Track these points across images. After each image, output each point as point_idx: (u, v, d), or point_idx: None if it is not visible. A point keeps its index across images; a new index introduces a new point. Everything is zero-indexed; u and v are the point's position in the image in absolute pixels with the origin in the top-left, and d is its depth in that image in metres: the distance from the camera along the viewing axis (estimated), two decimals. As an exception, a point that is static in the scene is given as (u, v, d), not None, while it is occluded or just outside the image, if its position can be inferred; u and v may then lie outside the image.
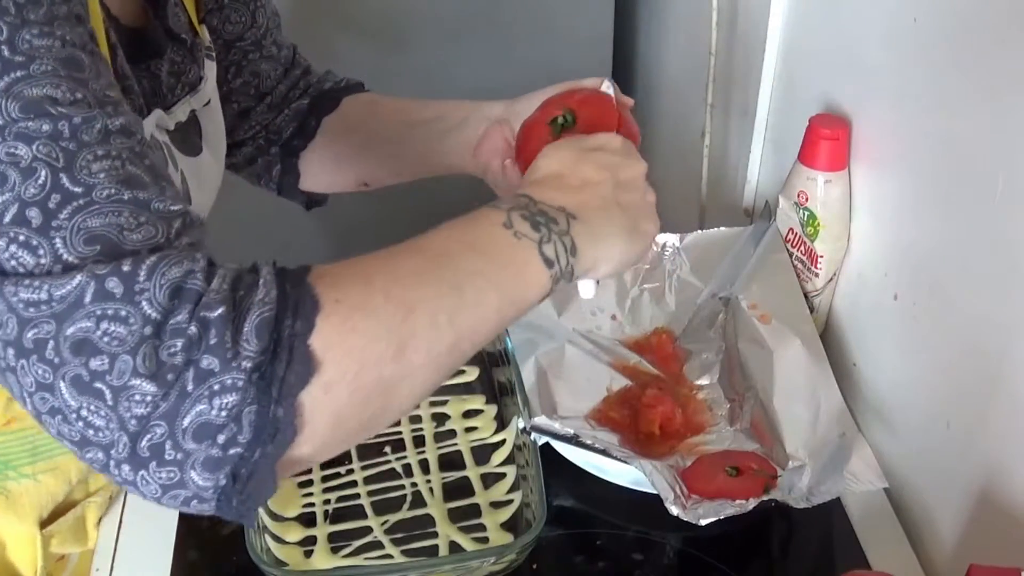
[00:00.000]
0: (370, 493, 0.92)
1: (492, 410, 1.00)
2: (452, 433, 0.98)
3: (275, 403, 0.51)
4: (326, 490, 0.92)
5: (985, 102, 0.77)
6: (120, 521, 0.91)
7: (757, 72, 1.17)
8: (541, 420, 0.90)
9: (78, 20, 0.56)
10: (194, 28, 0.86)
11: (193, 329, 0.50)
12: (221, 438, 0.50)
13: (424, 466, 0.95)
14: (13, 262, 0.51)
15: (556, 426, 0.89)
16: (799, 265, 1.03)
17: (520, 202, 0.65)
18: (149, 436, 0.50)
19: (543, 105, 0.86)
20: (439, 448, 0.97)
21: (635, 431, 0.96)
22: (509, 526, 0.89)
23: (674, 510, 0.81)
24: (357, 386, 0.53)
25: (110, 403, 0.50)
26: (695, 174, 1.33)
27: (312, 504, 0.91)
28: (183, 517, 0.90)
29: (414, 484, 0.93)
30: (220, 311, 0.51)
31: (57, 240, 0.51)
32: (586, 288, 0.74)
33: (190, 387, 0.50)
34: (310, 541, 0.87)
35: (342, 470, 0.94)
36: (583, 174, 0.70)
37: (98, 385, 0.50)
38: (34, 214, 0.51)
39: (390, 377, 0.55)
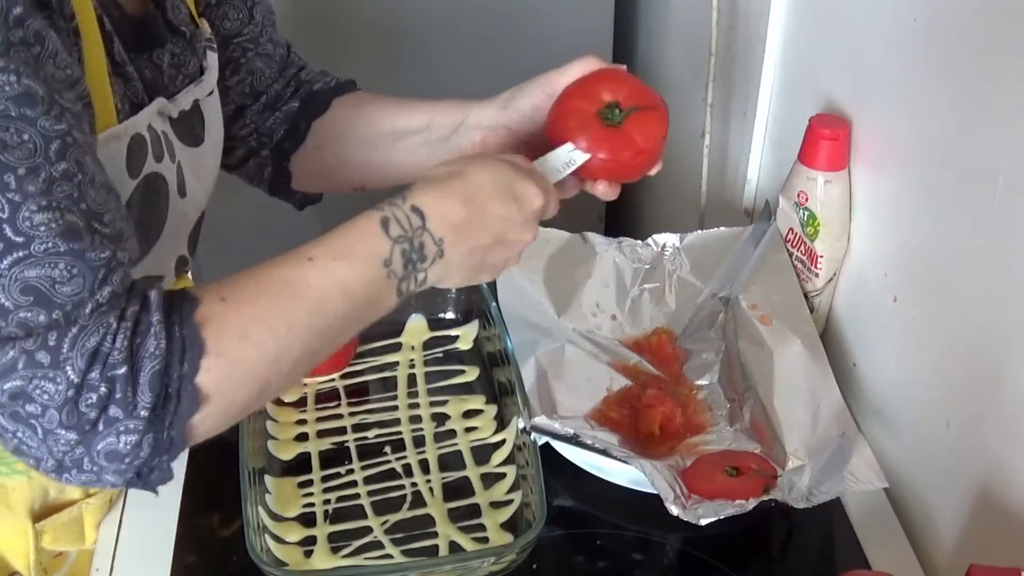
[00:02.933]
0: (370, 493, 0.92)
1: (492, 410, 1.00)
2: (452, 433, 0.98)
3: (168, 430, 0.63)
4: (326, 490, 0.92)
5: (985, 102, 0.77)
6: (120, 521, 0.91)
7: (757, 72, 1.17)
8: (541, 420, 0.90)
9: (36, 38, 0.59)
10: (194, 20, 0.86)
11: (104, 389, 0.61)
12: (127, 460, 0.63)
13: (424, 466, 0.95)
14: None
15: (556, 426, 0.89)
16: (799, 265, 1.03)
17: (412, 224, 0.72)
18: (71, 455, 0.62)
19: (580, 88, 0.85)
20: (439, 448, 0.97)
21: (635, 431, 0.96)
22: (509, 526, 0.89)
23: (674, 510, 0.81)
24: (228, 414, 0.67)
25: (40, 437, 0.61)
26: (695, 174, 1.33)
27: (312, 504, 0.91)
28: (183, 517, 0.90)
29: (414, 484, 0.93)
30: (123, 371, 0.61)
31: None
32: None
33: (101, 428, 0.62)
34: (310, 541, 0.87)
35: (342, 470, 0.94)
36: (487, 212, 0.75)
37: (32, 422, 0.61)
38: None
39: (255, 405, 0.69)
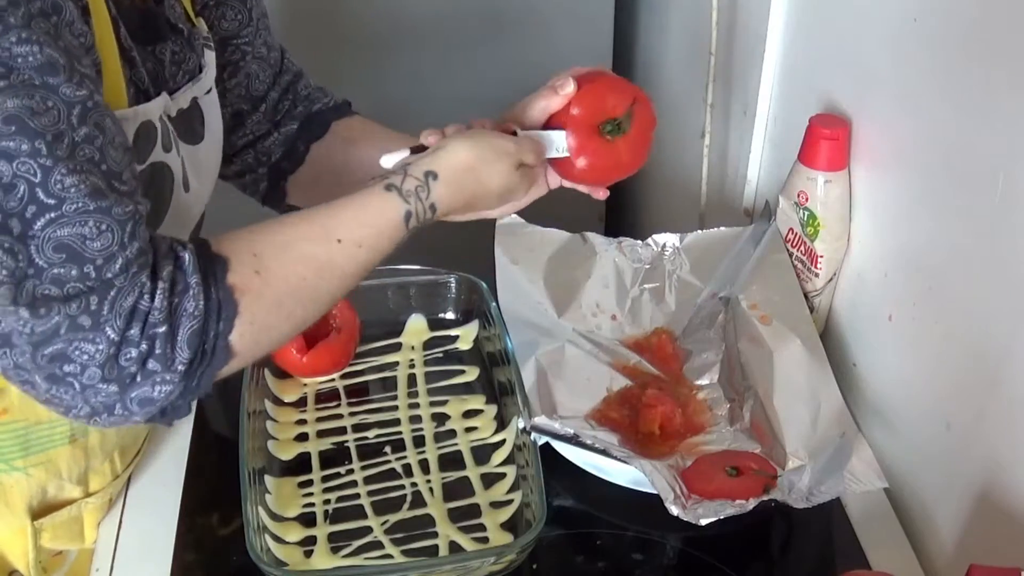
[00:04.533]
0: (370, 493, 0.92)
1: (492, 410, 1.00)
2: (452, 433, 0.98)
3: (199, 379, 0.69)
4: (326, 490, 0.92)
5: (985, 102, 0.77)
6: (120, 521, 0.91)
7: (757, 72, 1.17)
8: (541, 420, 0.90)
9: (53, 9, 0.61)
10: (190, 19, 0.86)
11: (144, 345, 0.65)
12: (158, 404, 0.68)
13: (424, 466, 0.95)
14: None
15: (556, 426, 0.89)
16: (799, 265, 1.03)
17: (424, 211, 0.79)
18: (107, 404, 0.67)
19: (600, 89, 0.89)
20: (439, 448, 0.97)
21: (635, 431, 0.96)
22: (509, 526, 0.89)
23: (674, 510, 0.81)
24: (247, 363, 0.73)
25: (78, 390, 0.65)
26: (695, 174, 1.33)
27: (312, 504, 0.91)
28: (183, 517, 0.91)
29: (414, 484, 0.93)
30: (164, 329, 0.66)
31: (32, 248, 0.61)
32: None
33: (139, 380, 0.66)
34: (310, 541, 0.87)
35: (342, 470, 0.94)
36: (491, 201, 0.84)
37: (71, 380, 0.65)
38: (15, 224, 0.61)
39: (284, 332, 0.74)
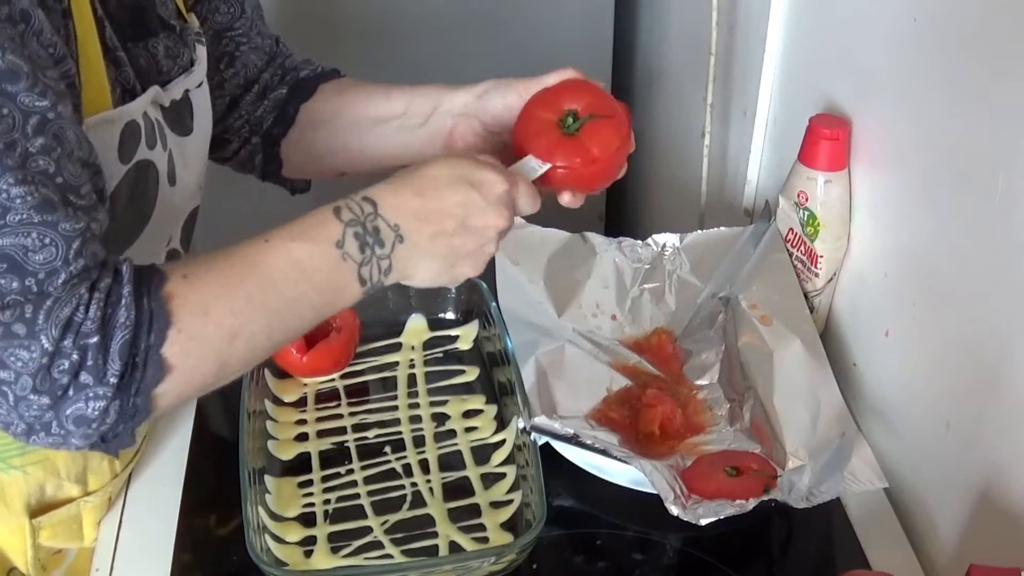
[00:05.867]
0: (370, 493, 0.92)
1: (492, 410, 1.00)
2: (452, 433, 0.98)
3: (133, 397, 0.66)
4: (326, 490, 0.92)
5: (985, 102, 0.77)
6: (120, 521, 0.91)
7: (757, 72, 1.17)
8: (541, 420, 0.90)
9: (22, 17, 0.60)
10: (182, 15, 0.86)
11: (76, 356, 0.64)
12: (94, 424, 0.66)
13: (424, 466, 0.95)
14: None
15: (556, 426, 0.89)
16: (799, 265, 1.03)
17: (362, 215, 0.73)
18: (41, 420, 0.65)
19: (544, 97, 0.86)
20: (439, 448, 0.97)
21: (635, 431, 0.96)
22: (509, 526, 0.89)
23: (674, 510, 0.81)
24: (189, 386, 0.69)
25: (11, 403, 0.64)
26: (695, 174, 1.33)
27: (312, 504, 0.91)
28: (183, 517, 0.91)
29: (414, 484, 0.93)
30: (95, 340, 0.64)
31: None
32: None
33: (71, 393, 0.64)
34: (310, 541, 0.87)
35: (342, 470, 0.94)
36: (444, 200, 0.75)
37: (4, 388, 0.64)
38: None
39: (212, 382, 0.71)
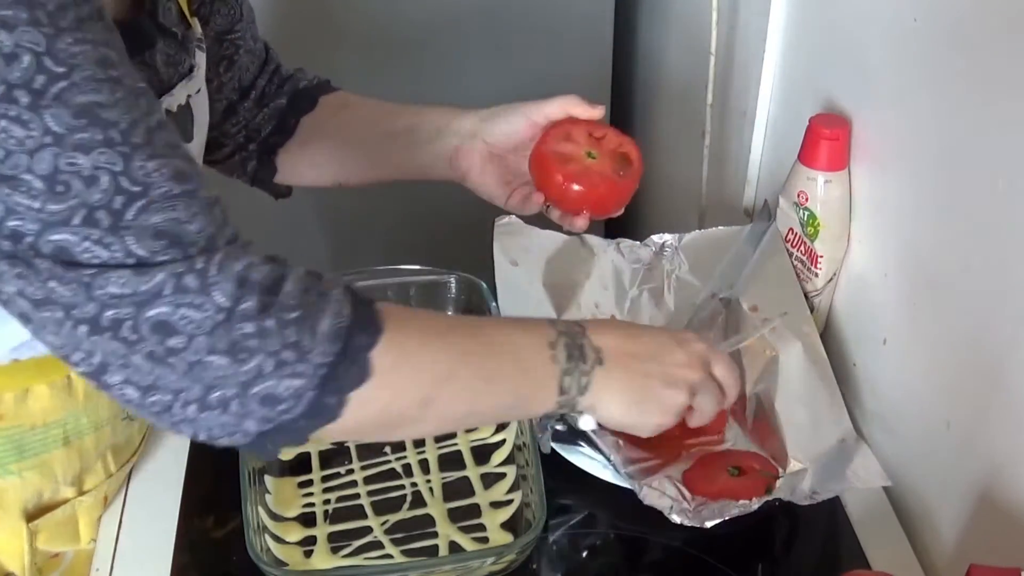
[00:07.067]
0: (370, 493, 0.92)
1: (492, 410, 1.00)
2: (452, 433, 0.98)
3: (330, 394, 0.63)
4: (326, 490, 0.92)
5: (985, 102, 0.77)
6: (120, 521, 0.91)
7: (757, 72, 1.17)
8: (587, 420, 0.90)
9: (99, 15, 0.60)
10: (186, 20, 0.86)
11: (270, 324, 0.61)
12: (280, 407, 0.62)
13: (424, 466, 0.95)
14: (87, 255, 0.58)
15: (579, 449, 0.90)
16: (799, 265, 1.03)
17: (573, 330, 0.75)
18: (221, 393, 0.61)
19: (547, 136, 0.92)
20: (439, 448, 0.97)
21: (633, 437, 0.95)
22: (509, 526, 0.89)
23: (676, 518, 0.81)
24: (383, 412, 0.67)
25: (184, 371, 0.60)
26: (695, 174, 1.33)
27: (312, 504, 0.91)
28: (183, 517, 0.90)
29: (414, 484, 0.93)
30: (296, 314, 0.62)
31: (128, 238, 0.58)
32: (586, 421, 0.80)
33: (268, 370, 0.61)
34: (310, 541, 0.87)
35: (342, 470, 0.94)
36: (645, 342, 0.78)
37: (172, 360, 0.60)
38: (102, 216, 0.58)
39: (409, 418, 0.68)
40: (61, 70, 0.56)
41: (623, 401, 0.75)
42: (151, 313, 0.59)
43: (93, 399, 0.84)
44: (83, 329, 0.59)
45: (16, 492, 0.84)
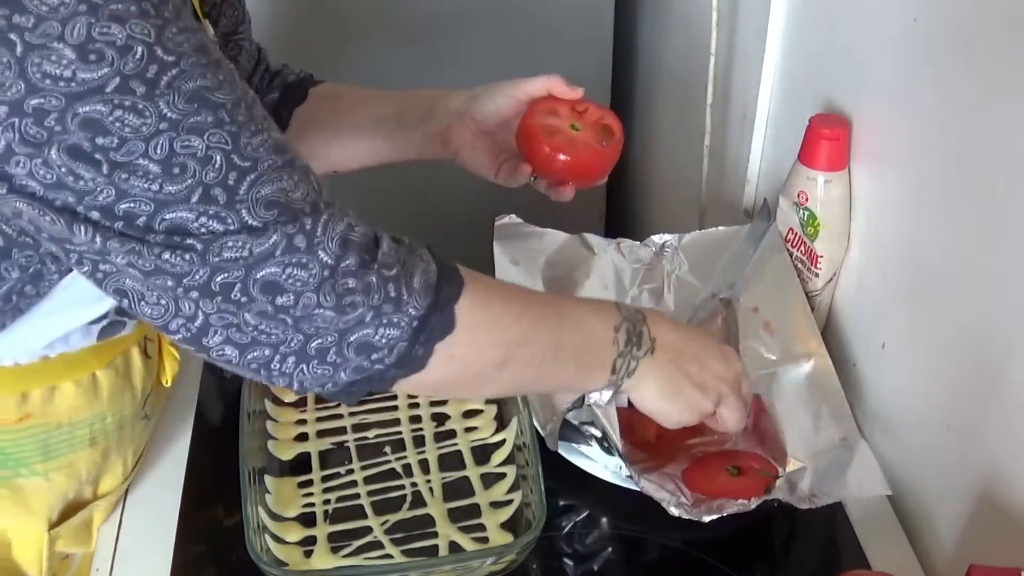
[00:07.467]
0: (370, 493, 0.92)
1: (492, 410, 1.00)
2: (452, 433, 0.98)
3: (419, 345, 0.67)
4: (326, 490, 0.92)
5: (986, 102, 0.77)
6: (120, 522, 0.91)
7: (757, 72, 1.17)
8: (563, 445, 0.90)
9: (184, 3, 0.61)
10: (199, 20, 0.86)
11: (373, 279, 0.65)
12: (375, 356, 0.67)
13: (424, 466, 0.95)
14: (203, 230, 0.61)
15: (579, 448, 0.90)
16: (799, 265, 1.03)
17: (635, 317, 0.79)
18: (320, 341, 0.65)
19: (533, 111, 0.94)
20: (439, 448, 0.97)
21: (633, 436, 0.95)
22: (509, 526, 0.89)
23: (674, 511, 0.81)
24: (466, 367, 0.71)
25: (291, 324, 0.64)
26: (695, 174, 1.33)
27: (312, 504, 0.91)
28: (183, 517, 0.90)
29: (414, 484, 0.93)
30: (396, 271, 0.66)
31: (243, 211, 0.61)
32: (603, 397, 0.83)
33: (367, 319, 0.65)
34: (310, 541, 0.87)
35: (342, 470, 0.94)
36: (692, 342, 0.83)
37: (282, 316, 0.64)
38: (218, 192, 0.60)
39: (486, 375, 0.73)
40: (171, 59, 0.57)
41: (659, 390, 0.80)
42: (261, 274, 0.62)
43: (117, 398, 0.85)
44: (193, 295, 0.62)
45: (41, 494, 0.84)
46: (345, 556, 0.86)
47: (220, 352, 0.65)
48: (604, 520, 0.92)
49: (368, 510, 0.90)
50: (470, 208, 1.06)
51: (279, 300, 0.63)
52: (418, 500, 0.91)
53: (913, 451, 0.91)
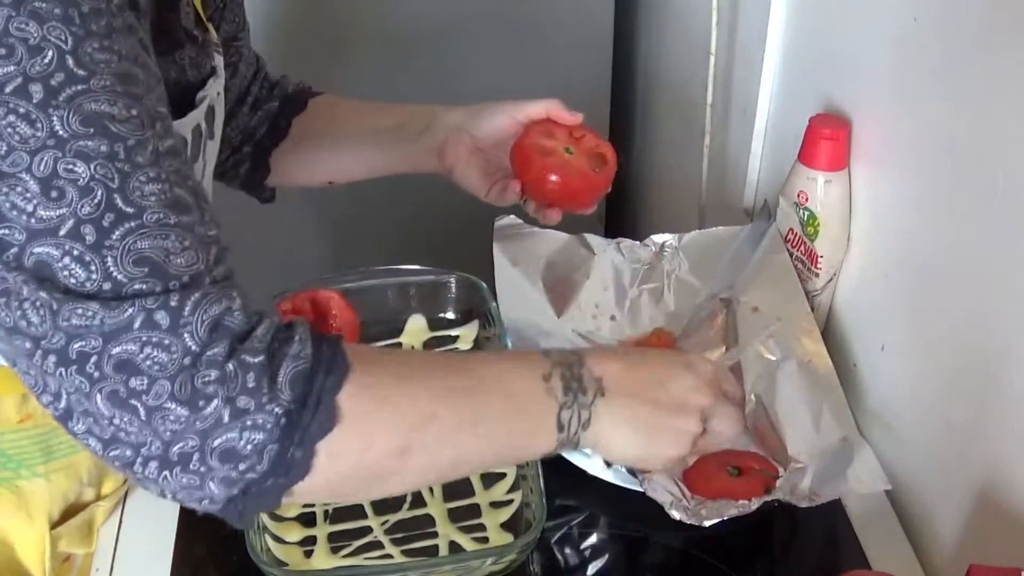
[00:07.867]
0: (370, 493, 0.92)
1: (492, 410, 1.00)
2: (452, 433, 0.98)
3: (295, 446, 0.58)
4: (326, 490, 0.92)
5: (985, 102, 0.77)
6: (120, 522, 0.91)
7: (757, 72, 1.17)
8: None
9: (130, 31, 0.59)
10: (203, 25, 0.87)
11: (231, 367, 0.57)
12: (242, 465, 0.58)
13: (424, 466, 0.95)
14: (66, 272, 0.56)
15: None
16: (799, 265, 1.03)
17: (569, 360, 0.70)
18: (181, 445, 0.57)
19: (530, 131, 0.96)
20: (439, 448, 0.96)
21: None
22: (509, 526, 0.89)
23: (675, 514, 0.81)
24: (358, 463, 0.61)
25: (143, 418, 0.57)
26: (695, 174, 1.33)
27: (312, 504, 0.91)
28: (183, 517, 0.90)
29: (414, 484, 0.93)
30: (261, 359, 0.58)
31: (108, 259, 0.56)
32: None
33: (226, 419, 0.57)
34: (310, 541, 0.87)
35: (342, 470, 0.94)
36: (649, 369, 0.74)
37: (133, 402, 0.56)
38: (88, 231, 0.55)
39: (387, 468, 0.63)
40: (82, 73, 0.55)
41: (629, 435, 0.71)
42: (117, 349, 0.56)
43: None
44: (51, 360, 0.57)
45: (42, 497, 0.84)
46: (345, 556, 0.86)
47: (86, 442, 0.59)
48: (604, 520, 0.92)
49: (368, 510, 0.90)
50: (470, 208, 1.06)
51: (132, 382, 0.56)
52: (418, 500, 0.91)
53: (913, 451, 0.91)
